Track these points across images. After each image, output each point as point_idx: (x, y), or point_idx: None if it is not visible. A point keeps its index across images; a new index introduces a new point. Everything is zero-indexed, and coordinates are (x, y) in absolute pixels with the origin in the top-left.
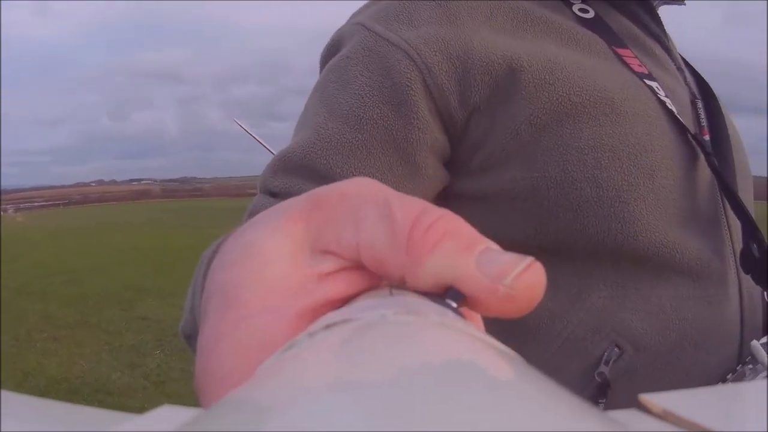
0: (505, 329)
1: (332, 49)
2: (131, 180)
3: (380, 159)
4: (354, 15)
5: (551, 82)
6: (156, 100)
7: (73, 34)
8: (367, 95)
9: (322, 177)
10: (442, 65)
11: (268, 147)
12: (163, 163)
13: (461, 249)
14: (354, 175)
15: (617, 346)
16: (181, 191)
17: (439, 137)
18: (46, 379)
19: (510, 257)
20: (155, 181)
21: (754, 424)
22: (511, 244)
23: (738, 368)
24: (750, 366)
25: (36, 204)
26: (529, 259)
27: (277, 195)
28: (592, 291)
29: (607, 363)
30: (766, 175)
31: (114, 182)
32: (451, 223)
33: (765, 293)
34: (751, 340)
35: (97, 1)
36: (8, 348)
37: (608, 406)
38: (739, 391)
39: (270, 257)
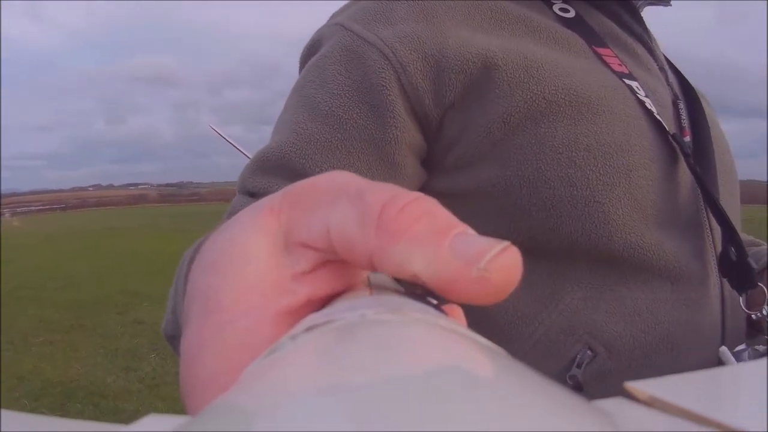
0: (475, 329)
1: (312, 49)
2: (129, 184)
3: (359, 158)
4: (334, 15)
5: (526, 80)
6: (150, 104)
7: (65, 39)
8: (346, 95)
9: (301, 176)
10: (417, 64)
11: (243, 151)
12: (159, 167)
13: (435, 231)
14: None
15: (590, 348)
16: (179, 196)
17: (416, 136)
18: (41, 383)
19: (485, 240)
20: (152, 185)
21: (742, 407)
22: None
23: None
24: None
25: (33, 208)
26: (505, 243)
27: (255, 195)
28: (566, 292)
29: (579, 366)
30: (765, 179)
31: (111, 187)
32: (426, 206)
33: (741, 299)
34: (733, 344)
35: (88, 4)
36: (3, 352)
37: None
38: (726, 375)
39: (248, 257)
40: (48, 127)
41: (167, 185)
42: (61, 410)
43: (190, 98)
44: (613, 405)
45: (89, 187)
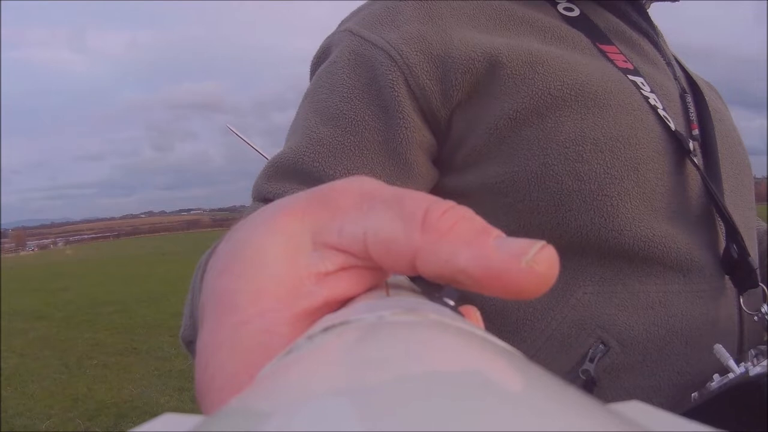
0: (489, 327)
1: (322, 56)
2: (181, 210)
3: (372, 159)
4: (343, 22)
5: (530, 76)
6: (198, 130)
7: (109, 69)
8: (356, 97)
9: (316, 179)
10: (423, 65)
11: (262, 153)
12: (211, 192)
13: (478, 231)
14: (347, 176)
15: (603, 342)
16: (231, 220)
17: (426, 135)
18: (95, 404)
19: (525, 240)
20: (205, 210)
21: None
22: None
23: (710, 382)
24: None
25: (86, 236)
26: (542, 241)
27: (270, 201)
28: (578, 287)
29: (592, 360)
30: (765, 176)
31: (163, 213)
32: (464, 211)
33: (741, 298)
34: (754, 339)
35: (130, 34)
36: (58, 375)
37: None
38: None
39: (264, 258)
40: (98, 156)
41: (220, 210)
42: (115, 429)
43: (238, 123)
44: (629, 408)
45: (141, 214)
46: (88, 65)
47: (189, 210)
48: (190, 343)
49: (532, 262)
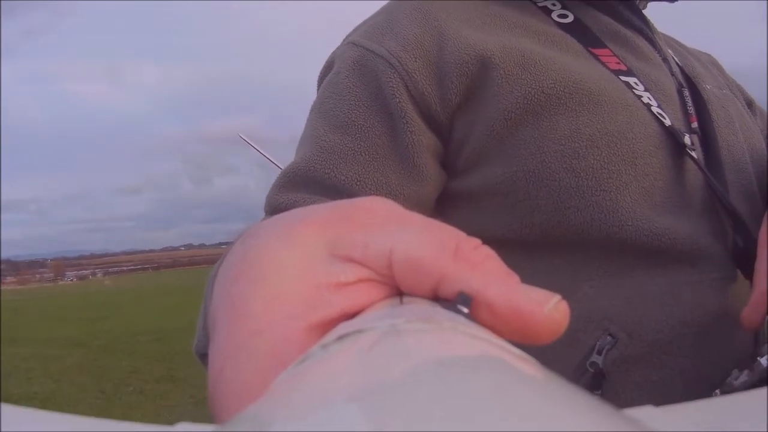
0: None
1: (327, 69)
2: (221, 243)
3: (383, 163)
4: (347, 36)
5: (523, 76)
6: (236, 164)
7: (145, 102)
8: (363, 105)
9: (328, 187)
10: (422, 71)
11: (275, 162)
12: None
13: (505, 272)
14: (358, 181)
15: (610, 334)
16: None
17: (432, 138)
18: None
19: (543, 290)
20: None
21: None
22: (497, 240)
23: (732, 375)
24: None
25: (125, 268)
26: (558, 295)
27: (283, 212)
28: (584, 281)
29: (599, 352)
30: None
31: (203, 246)
32: (490, 251)
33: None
34: None
35: (164, 68)
36: (94, 400)
37: (605, 399)
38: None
39: (280, 266)
40: (135, 190)
41: None
42: None
43: (276, 156)
44: (642, 413)
45: (181, 246)
46: (125, 98)
47: (228, 243)
48: (203, 356)
49: (555, 310)
